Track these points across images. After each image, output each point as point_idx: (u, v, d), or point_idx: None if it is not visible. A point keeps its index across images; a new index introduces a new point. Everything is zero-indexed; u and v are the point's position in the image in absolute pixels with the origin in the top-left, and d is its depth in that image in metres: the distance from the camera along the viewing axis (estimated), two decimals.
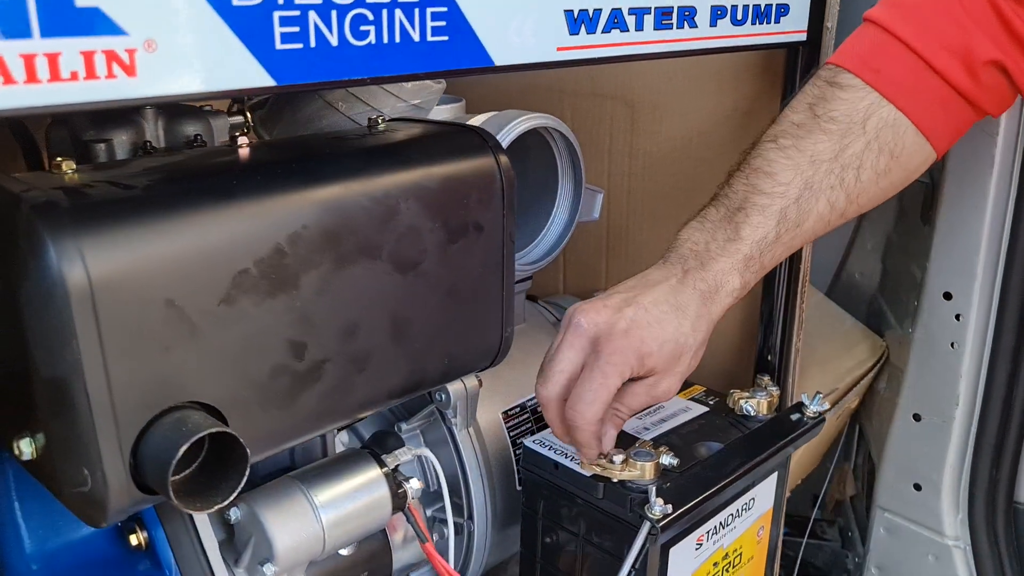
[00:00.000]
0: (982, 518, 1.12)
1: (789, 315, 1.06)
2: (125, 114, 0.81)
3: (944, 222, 1.09)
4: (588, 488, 0.88)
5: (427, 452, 0.89)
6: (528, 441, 0.94)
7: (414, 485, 0.83)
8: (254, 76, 0.57)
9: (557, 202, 1.09)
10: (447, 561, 0.90)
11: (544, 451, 0.92)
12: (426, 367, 0.80)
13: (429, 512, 1.02)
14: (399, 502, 0.82)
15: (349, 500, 0.82)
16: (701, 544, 0.92)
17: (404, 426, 1.01)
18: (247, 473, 0.58)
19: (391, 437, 1.00)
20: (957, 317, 1.07)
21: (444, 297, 0.79)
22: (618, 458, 0.85)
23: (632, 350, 0.78)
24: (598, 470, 0.86)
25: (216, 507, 0.58)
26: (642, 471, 0.85)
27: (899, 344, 1.19)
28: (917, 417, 1.14)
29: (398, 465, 0.85)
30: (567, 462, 0.90)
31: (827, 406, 1.02)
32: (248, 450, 0.58)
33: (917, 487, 1.16)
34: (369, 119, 0.84)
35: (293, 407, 0.68)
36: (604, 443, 0.84)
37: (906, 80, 0.79)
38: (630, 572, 0.87)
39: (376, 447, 0.89)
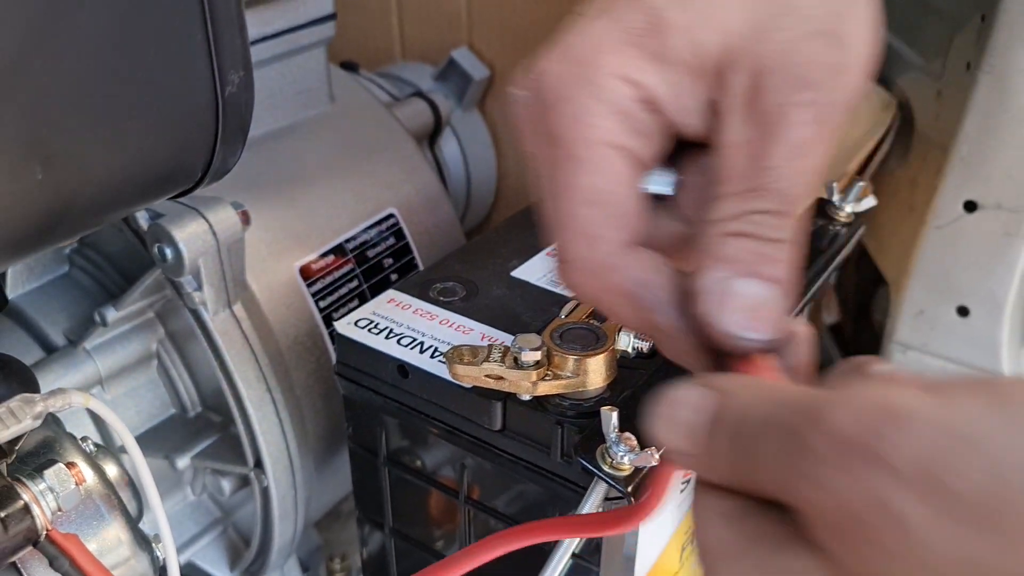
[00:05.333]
0: None
1: None
2: None
3: None
4: (471, 412, 0.43)
5: (94, 403, 0.38)
6: (343, 323, 0.47)
7: (57, 485, 0.35)
8: None
9: None
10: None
11: (375, 342, 0.46)
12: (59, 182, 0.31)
13: (184, 460, 0.56)
14: (18, 538, 0.34)
15: None
16: (690, 478, 0.49)
17: (113, 313, 0.53)
18: None
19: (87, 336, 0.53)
20: None
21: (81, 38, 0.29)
22: (530, 356, 0.39)
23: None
24: (487, 379, 0.40)
25: None
26: (580, 373, 0.40)
27: (932, 95, 0.76)
28: (971, 206, 0.73)
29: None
30: (423, 361, 0.44)
31: (871, 200, 0.59)
32: None
33: (963, 311, 0.76)
34: None
35: None
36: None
37: None
38: (568, 565, 0.43)
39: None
